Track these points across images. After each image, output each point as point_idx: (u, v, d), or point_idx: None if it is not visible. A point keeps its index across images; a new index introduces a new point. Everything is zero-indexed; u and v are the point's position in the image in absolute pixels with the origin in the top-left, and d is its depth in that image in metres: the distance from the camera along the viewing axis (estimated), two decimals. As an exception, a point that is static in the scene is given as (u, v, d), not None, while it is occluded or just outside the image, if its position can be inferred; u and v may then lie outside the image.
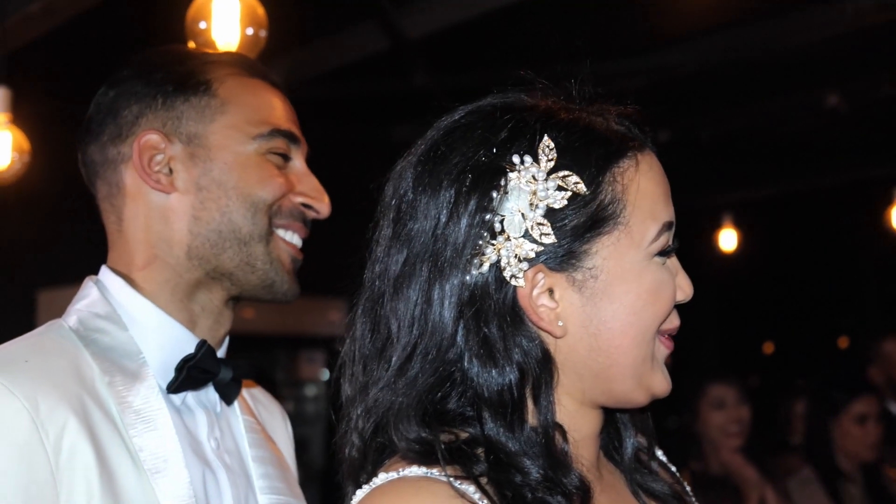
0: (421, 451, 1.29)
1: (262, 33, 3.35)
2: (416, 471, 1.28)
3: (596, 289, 1.33)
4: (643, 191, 1.35)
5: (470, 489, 1.25)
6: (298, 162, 1.86)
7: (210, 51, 1.86)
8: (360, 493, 1.31)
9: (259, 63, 1.89)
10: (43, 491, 1.49)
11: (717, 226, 9.56)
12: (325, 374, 9.24)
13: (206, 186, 1.76)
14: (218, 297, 1.80)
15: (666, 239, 1.37)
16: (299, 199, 1.83)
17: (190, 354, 1.72)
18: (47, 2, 5.12)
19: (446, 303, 1.31)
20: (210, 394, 1.80)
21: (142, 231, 1.77)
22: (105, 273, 1.80)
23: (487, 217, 1.31)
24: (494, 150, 1.33)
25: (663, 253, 1.37)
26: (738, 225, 9.67)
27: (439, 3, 6.28)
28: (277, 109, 1.83)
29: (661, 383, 1.39)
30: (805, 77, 7.48)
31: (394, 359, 1.34)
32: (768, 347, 15.63)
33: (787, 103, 8.02)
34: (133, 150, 1.76)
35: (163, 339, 1.73)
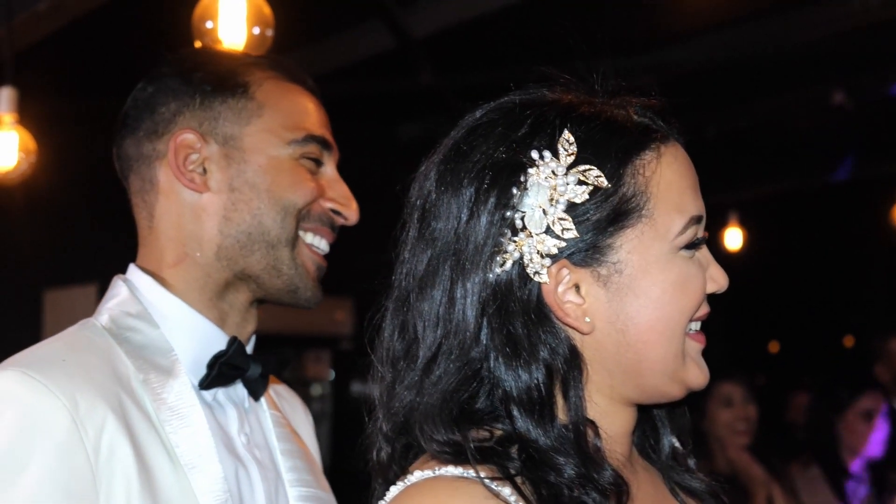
0: (452, 452, 1.28)
1: (269, 32, 3.36)
2: (452, 470, 1.27)
3: (621, 283, 1.32)
4: (667, 183, 1.34)
5: (506, 490, 1.24)
6: (330, 168, 1.87)
7: (250, 53, 1.89)
8: (393, 490, 1.30)
9: (297, 67, 1.91)
10: (83, 488, 1.51)
11: (722, 224, 9.55)
12: (332, 374, 9.25)
13: (238, 188, 1.77)
14: (244, 297, 1.82)
15: (694, 232, 1.35)
16: (329, 205, 1.84)
17: (221, 351, 1.74)
18: (54, 1, 5.13)
19: (468, 301, 1.31)
20: (239, 390, 1.82)
21: (173, 229, 1.79)
22: (133, 272, 1.81)
23: (508, 214, 1.31)
24: (514, 147, 1.33)
25: (691, 246, 1.35)
26: (744, 223, 9.65)
27: (445, 1, 6.29)
28: (312, 115, 1.85)
29: (696, 376, 1.38)
30: (811, 74, 7.47)
31: (419, 359, 1.34)
32: (774, 346, 15.61)
33: (792, 101, 8.01)
34: (168, 148, 1.78)
35: (194, 336, 1.75)
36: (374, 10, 6.41)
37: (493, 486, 1.24)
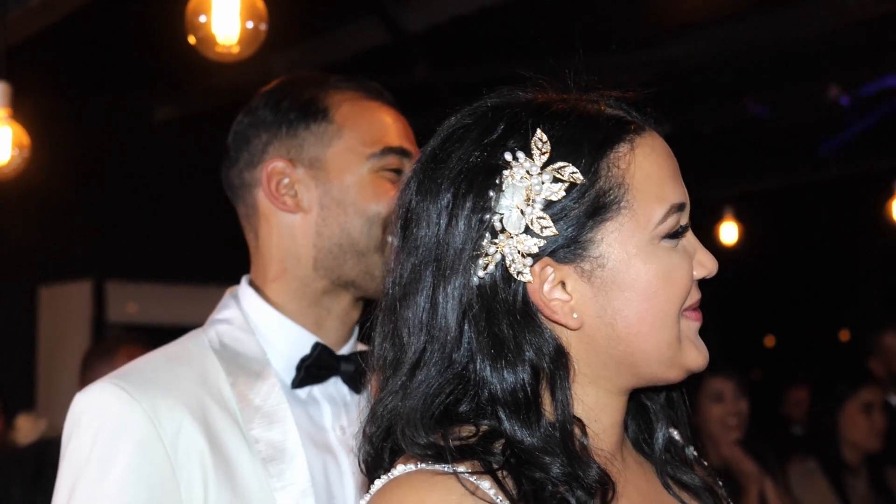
0: (434, 454, 1.29)
1: (263, 27, 3.36)
2: (433, 465, 1.28)
3: (605, 277, 1.32)
4: (645, 173, 1.34)
5: (485, 484, 1.24)
6: None
7: (331, 76, 2.03)
8: (378, 483, 1.31)
9: (374, 84, 2.04)
10: (164, 481, 1.70)
11: (717, 219, 9.56)
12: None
13: (326, 205, 1.94)
14: (346, 300, 1.98)
15: (675, 220, 1.35)
16: None
17: (306, 355, 1.92)
18: (47, -4, 5.11)
19: (450, 305, 1.32)
20: (338, 385, 1.97)
21: (274, 247, 1.97)
22: (242, 286, 2.01)
23: (486, 217, 1.31)
24: (489, 150, 1.34)
25: (673, 235, 1.35)
26: (739, 218, 9.66)
27: (440, -4, 6.28)
28: (390, 128, 1.98)
29: (695, 359, 1.38)
30: (806, 70, 7.47)
31: (405, 365, 1.35)
32: (769, 341, 15.63)
33: (788, 96, 8.01)
34: (262, 177, 1.95)
35: (285, 342, 1.93)
36: (368, 4, 6.40)
37: (471, 479, 1.24)
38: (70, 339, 7.95)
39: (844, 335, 14.20)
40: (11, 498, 3.84)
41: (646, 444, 1.51)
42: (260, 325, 1.93)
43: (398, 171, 1.95)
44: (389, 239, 1.91)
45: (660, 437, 1.50)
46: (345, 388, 1.97)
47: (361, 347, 2.01)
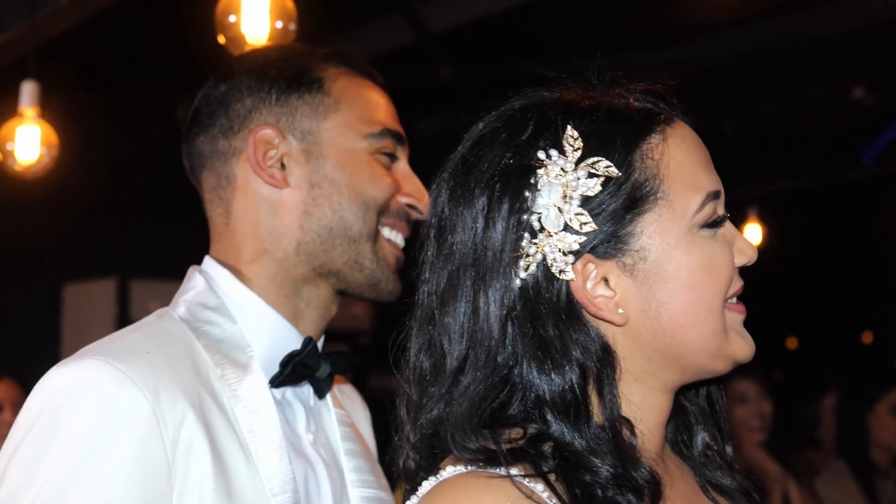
0: (485, 458, 1.27)
1: (292, 26, 3.38)
2: (485, 467, 1.26)
3: (647, 270, 1.31)
4: (678, 163, 1.34)
5: (538, 487, 1.23)
6: (403, 162, 1.88)
7: (320, 48, 1.90)
8: (426, 485, 1.30)
9: (366, 62, 1.92)
10: (158, 480, 1.50)
11: (742, 220, 9.52)
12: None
13: (318, 183, 1.78)
14: (325, 292, 1.82)
15: (712, 209, 1.35)
16: (405, 200, 1.85)
17: (296, 351, 1.74)
18: (76, -4, 5.15)
19: (492, 308, 1.30)
20: (305, 388, 1.82)
21: (251, 225, 1.79)
22: (210, 264, 1.81)
23: (524, 217, 1.31)
24: (520, 150, 1.33)
25: (713, 224, 1.35)
26: (763, 219, 9.62)
27: (464, -4, 6.29)
28: (385, 109, 1.87)
29: (741, 349, 1.37)
30: (830, 69, 7.44)
31: (447, 373, 1.33)
32: (792, 343, 15.55)
33: (812, 96, 7.98)
34: (248, 144, 1.78)
35: (270, 333, 1.75)
36: (393, 4, 6.41)
37: (525, 483, 1.23)
38: (94, 337, 7.82)
39: (867, 337, 14.11)
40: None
41: (684, 445, 1.50)
42: (241, 311, 1.74)
43: (392, 157, 1.85)
44: (383, 231, 1.82)
45: (699, 439, 1.49)
46: (310, 391, 1.82)
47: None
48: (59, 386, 1.54)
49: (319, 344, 1.85)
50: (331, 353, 1.84)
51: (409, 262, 1.45)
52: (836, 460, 4.74)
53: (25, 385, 5.12)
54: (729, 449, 1.51)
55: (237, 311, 1.74)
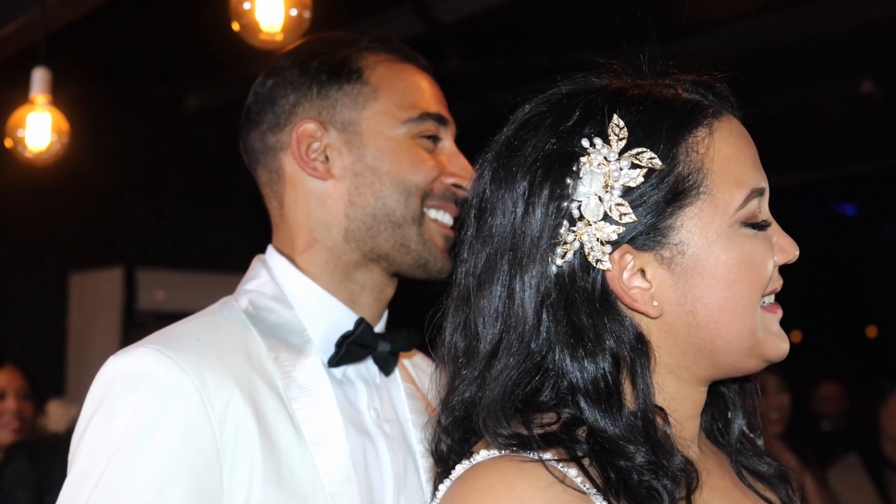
0: (518, 444, 1.27)
1: (306, 14, 3.39)
2: (519, 452, 1.27)
3: (685, 264, 1.30)
4: (724, 157, 1.33)
5: (572, 472, 1.23)
6: (448, 142, 1.90)
7: (362, 37, 1.93)
8: (459, 469, 1.30)
9: (408, 47, 1.94)
10: (208, 463, 1.57)
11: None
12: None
13: (360, 172, 1.83)
14: (377, 275, 1.88)
15: (756, 206, 1.34)
16: (450, 181, 1.87)
17: (349, 331, 1.81)
18: (87, -17, 5.16)
19: (527, 294, 1.30)
20: (369, 366, 1.88)
21: (302, 216, 1.86)
22: (271, 253, 1.89)
23: (564, 204, 1.30)
24: (565, 137, 1.33)
25: (756, 227, 1.34)
26: (771, 212, 9.61)
27: (474, -14, 6.29)
28: (426, 92, 1.88)
29: (776, 348, 1.36)
30: (839, 64, 7.43)
31: (479, 355, 1.34)
32: (795, 336, 15.55)
33: (820, 90, 7.97)
34: (291, 139, 1.84)
35: (324, 316, 1.82)
36: (402, -6, 6.42)
37: (558, 467, 1.23)
38: (100, 326, 8.00)
39: (871, 331, 14.11)
40: (54, 486, 3.87)
41: (720, 433, 1.50)
42: (297, 298, 1.82)
43: (434, 139, 1.87)
44: (429, 213, 1.85)
45: (735, 427, 1.49)
46: (375, 369, 1.88)
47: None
48: (115, 375, 1.63)
49: (381, 324, 1.91)
50: (390, 331, 1.89)
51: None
52: (848, 454, 4.74)
53: (31, 373, 5.13)
54: (760, 442, 1.52)
55: (294, 298, 1.82)
